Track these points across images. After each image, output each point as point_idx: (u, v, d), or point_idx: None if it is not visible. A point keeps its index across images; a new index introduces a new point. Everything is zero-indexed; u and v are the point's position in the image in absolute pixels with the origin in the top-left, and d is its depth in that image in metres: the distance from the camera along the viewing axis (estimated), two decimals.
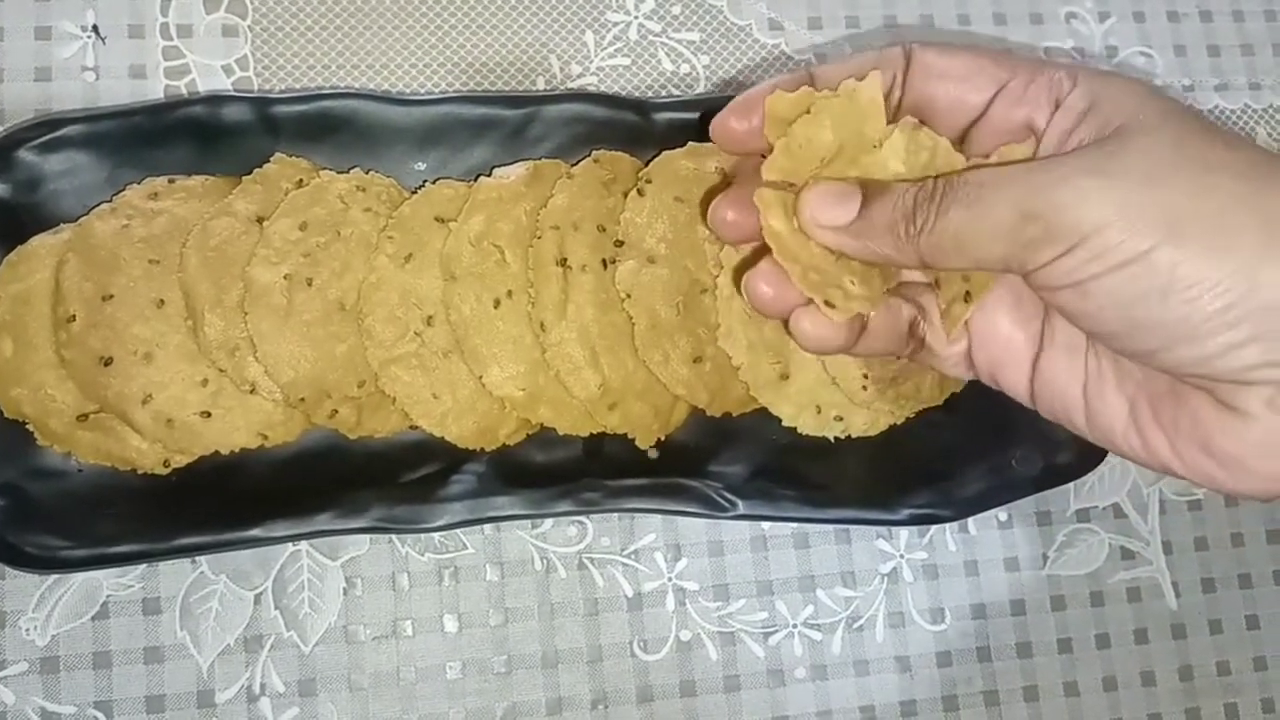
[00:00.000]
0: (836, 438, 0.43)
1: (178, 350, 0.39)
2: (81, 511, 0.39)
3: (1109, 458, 0.45)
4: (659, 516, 0.44)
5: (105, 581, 0.41)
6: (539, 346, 0.40)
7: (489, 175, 0.42)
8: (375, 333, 0.40)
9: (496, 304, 0.40)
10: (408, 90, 0.45)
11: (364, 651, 0.42)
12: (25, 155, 0.40)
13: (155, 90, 0.44)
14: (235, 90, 0.44)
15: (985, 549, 0.46)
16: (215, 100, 0.41)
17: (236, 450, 0.40)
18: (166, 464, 0.39)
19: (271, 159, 0.41)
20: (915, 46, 0.32)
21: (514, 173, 0.42)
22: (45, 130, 0.40)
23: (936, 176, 0.30)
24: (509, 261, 0.41)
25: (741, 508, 0.42)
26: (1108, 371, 0.31)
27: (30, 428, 0.39)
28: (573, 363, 0.40)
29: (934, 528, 0.46)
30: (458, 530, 0.42)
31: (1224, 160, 0.27)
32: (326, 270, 0.40)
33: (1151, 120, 0.28)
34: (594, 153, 0.43)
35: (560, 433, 0.42)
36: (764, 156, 0.33)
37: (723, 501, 0.42)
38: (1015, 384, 0.34)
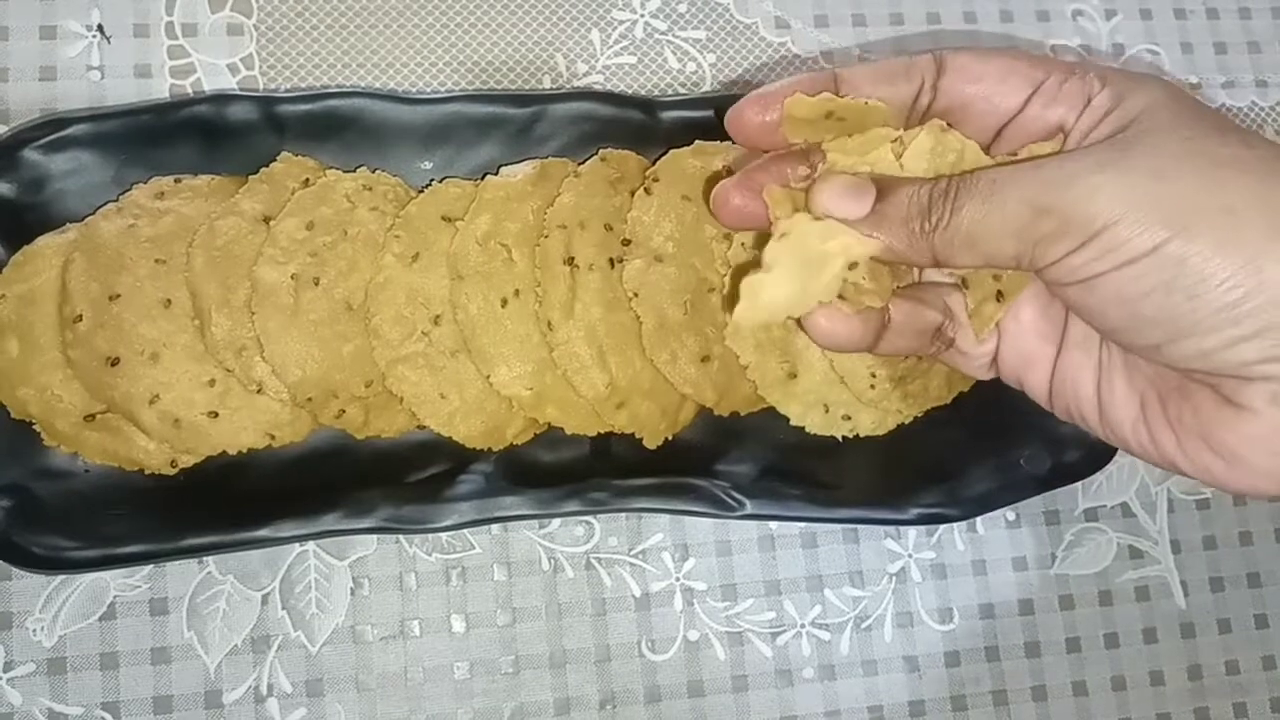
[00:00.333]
0: (844, 437, 0.43)
1: (184, 350, 0.39)
2: (88, 512, 0.39)
3: (1117, 457, 0.44)
4: (666, 516, 0.44)
5: (112, 582, 0.40)
6: (546, 346, 0.40)
7: (496, 174, 0.42)
8: (382, 332, 0.39)
9: (504, 303, 0.40)
10: (414, 89, 0.45)
11: (371, 652, 0.42)
12: (31, 155, 0.40)
13: (160, 89, 0.44)
14: (241, 89, 0.44)
15: (993, 548, 0.46)
16: (221, 99, 0.41)
17: (244, 450, 0.40)
18: (173, 464, 0.39)
19: (278, 158, 0.41)
20: (948, 53, 0.32)
21: (521, 172, 0.42)
22: (51, 130, 0.40)
23: (952, 175, 0.30)
24: (516, 261, 0.40)
25: (749, 507, 0.42)
26: (1118, 368, 0.31)
27: (37, 428, 0.39)
28: (580, 362, 0.40)
29: (942, 527, 0.46)
30: (465, 530, 0.42)
31: (1235, 156, 0.27)
32: (333, 270, 0.40)
33: (1164, 117, 0.28)
34: (601, 151, 0.43)
35: (568, 432, 0.41)
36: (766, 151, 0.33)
37: (730, 501, 0.42)
38: (1038, 384, 0.34)
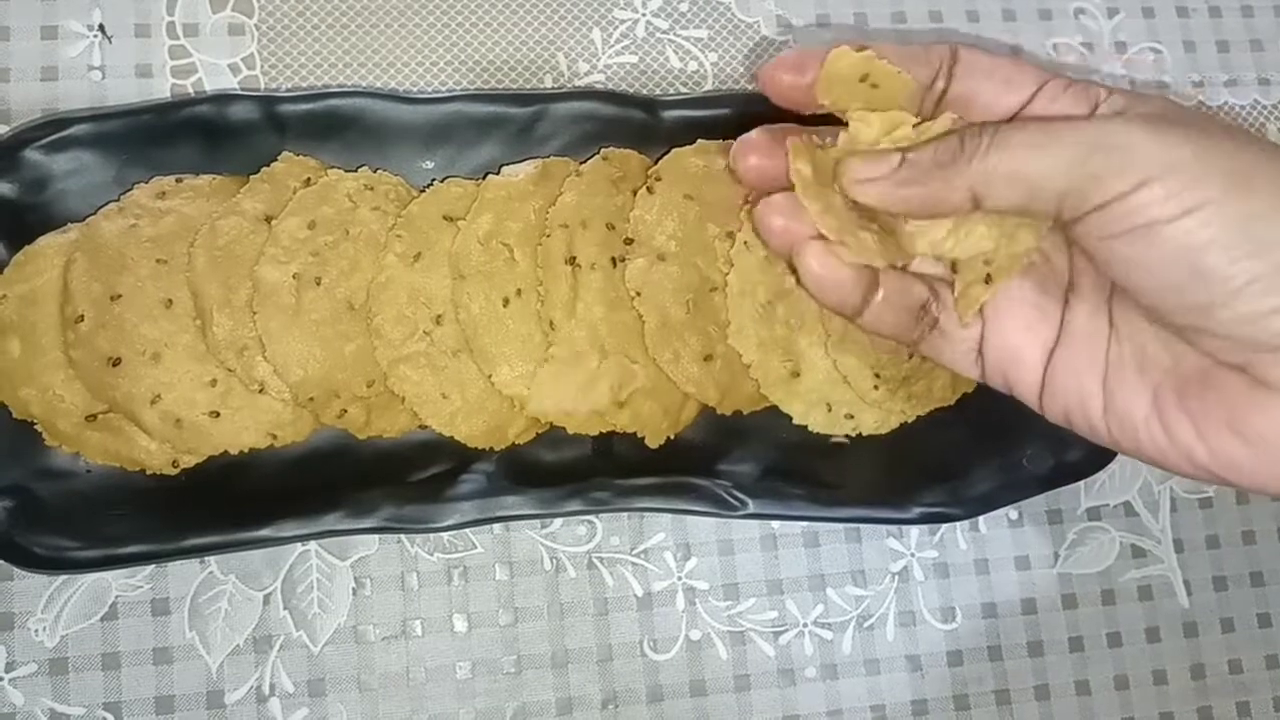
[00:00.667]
0: (847, 436, 0.43)
1: (186, 350, 0.39)
2: (90, 512, 0.39)
3: (1120, 456, 0.44)
4: (668, 516, 0.44)
5: (114, 582, 0.40)
6: (548, 345, 0.40)
7: (497, 174, 0.42)
8: (384, 332, 0.39)
9: (505, 303, 0.40)
10: (415, 88, 0.45)
11: (373, 652, 0.42)
12: (32, 155, 0.40)
13: (162, 89, 0.44)
14: (242, 89, 0.44)
15: (996, 547, 0.46)
16: (222, 99, 0.41)
17: (245, 450, 0.39)
18: (175, 464, 0.39)
19: (279, 158, 0.41)
20: (962, 47, 0.33)
21: (522, 171, 0.42)
22: (52, 130, 0.40)
23: (984, 123, 0.30)
24: (518, 260, 0.40)
25: (751, 507, 0.42)
26: (1129, 360, 0.31)
27: (39, 428, 0.39)
28: None
29: (944, 526, 0.46)
30: (467, 530, 0.42)
31: (1263, 145, 0.28)
32: (335, 269, 0.40)
33: (1177, 115, 0.29)
34: (602, 150, 0.43)
35: (569, 432, 0.41)
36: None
37: (732, 500, 0.42)
38: (1027, 382, 0.33)
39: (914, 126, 0.33)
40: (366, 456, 0.41)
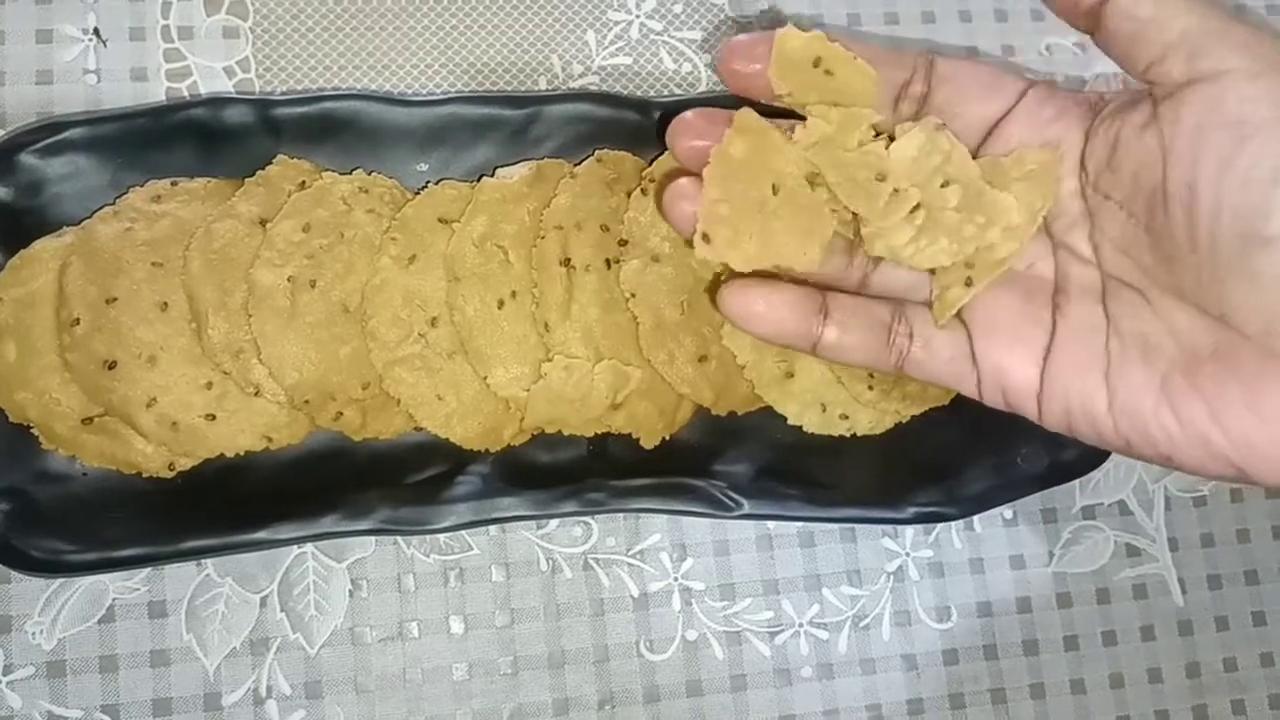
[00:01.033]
0: (842, 436, 0.43)
1: (182, 353, 0.39)
2: (87, 515, 0.39)
3: (1114, 454, 0.44)
4: (664, 516, 0.44)
5: (111, 585, 0.41)
6: (543, 347, 0.40)
7: (492, 176, 0.42)
8: (379, 334, 0.39)
9: (500, 305, 0.40)
10: (409, 91, 0.45)
11: (370, 653, 0.42)
12: (27, 159, 0.40)
13: (157, 93, 0.44)
14: (237, 92, 0.44)
15: (991, 547, 0.46)
16: (217, 102, 0.41)
17: (241, 453, 0.40)
18: (171, 467, 0.39)
19: (274, 161, 0.41)
20: (939, 55, 0.32)
21: (517, 173, 0.42)
22: (47, 133, 0.40)
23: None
24: (512, 262, 0.41)
25: (747, 507, 0.42)
26: (1132, 350, 0.30)
27: (35, 432, 0.39)
28: None
29: (939, 526, 0.46)
30: (463, 531, 0.42)
31: None
32: (330, 272, 0.40)
33: None
34: (597, 152, 0.43)
35: (565, 433, 0.41)
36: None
37: (728, 501, 0.42)
38: (1022, 391, 0.32)
39: (885, 130, 0.33)
40: (362, 458, 0.41)
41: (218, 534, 0.39)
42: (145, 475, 0.39)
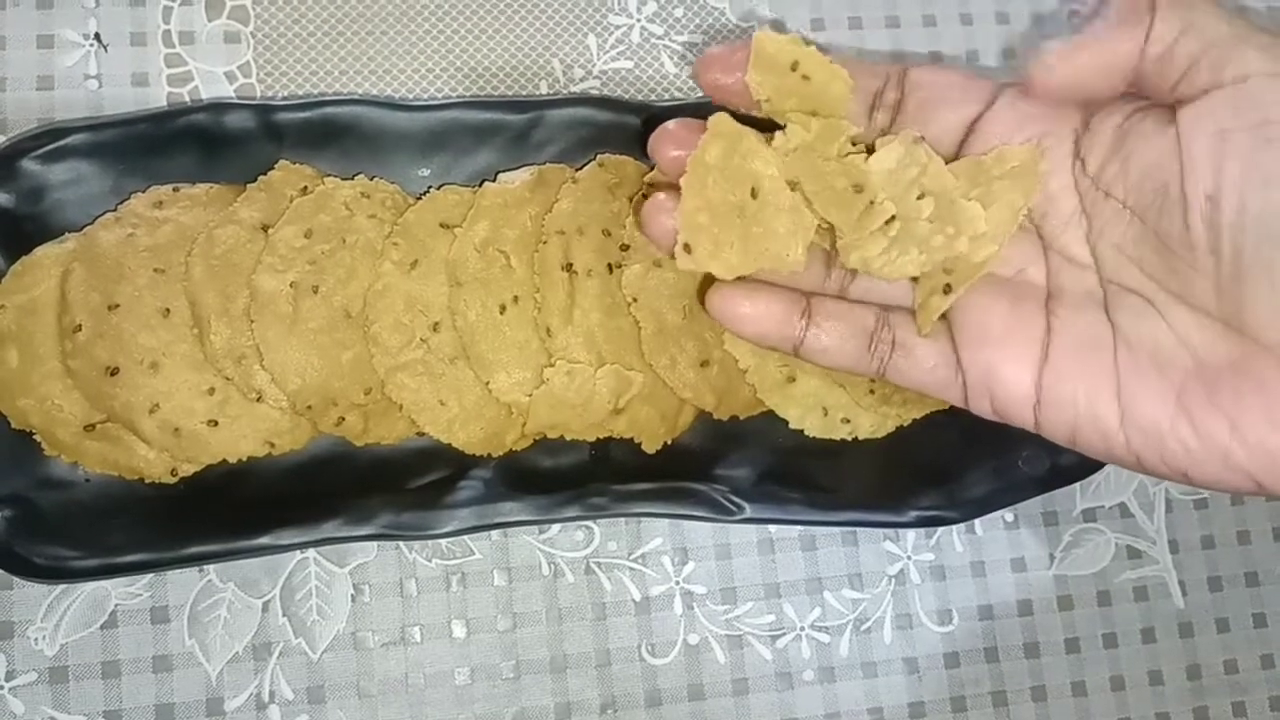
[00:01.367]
0: (843, 440, 0.43)
1: (184, 359, 0.39)
2: (89, 521, 0.39)
3: None
4: (666, 520, 0.44)
5: (113, 590, 0.41)
6: (545, 352, 0.40)
7: (493, 181, 0.42)
8: (381, 340, 0.40)
9: (502, 310, 0.40)
10: (411, 96, 0.45)
11: (372, 658, 0.42)
12: (29, 165, 0.40)
13: (158, 98, 0.44)
14: (238, 97, 0.44)
15: (992, 550, 0.46)
16: (218, 108, 0.41)
17: (243, 459, 0.40)
18: (174, 473, 0.39)
19: (275, 166, 0.41)
20: (911, 65, 0.33)
21: (518, 178, 0.42)
22: (49, 140, 0.40)
23: None
24: (514, 267, 0.41)
25: (748, 511, 0.42)
26: (1146, 364, 0.29)
27: (37, 438, 0.39)
28: None
29: (941, 529, 0.46)
30: (465, 536, 0.42)
31: None
32: (332, 277, 0.40)
33: None
34: (598, 157, 0.43)
35: (567, 438, 0.41)
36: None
37: (729, 505, 0.42)
38: (1015, 401, 0.31)
39: (863, 140, 0.33)
40: (364, 464, 0.41)
41: (220, 539, 0.39)
42: (147, 481, 0.39)
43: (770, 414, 0.43)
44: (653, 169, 0.43)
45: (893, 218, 0.32)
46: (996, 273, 0.32)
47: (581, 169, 0.43)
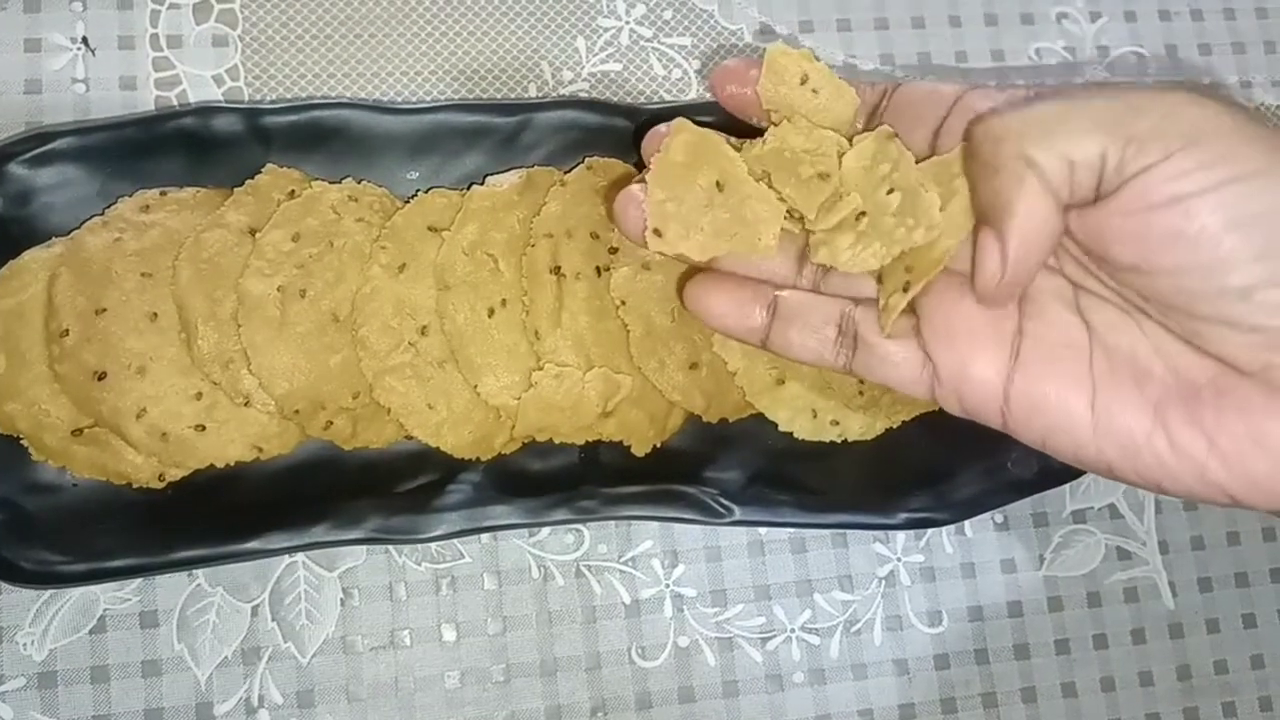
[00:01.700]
0: (833, 442, 0.43)
1: (171, 364, 0.39)
2: (77, 526, 0.39)
3: None
4: (656, 523, 0.44)
5: (102, 595, 0.41)
6: (534, 355, 0.40)
7: (482, 184, 0.42)
8: (369, 343, 0.39)
9: (490, 313, 0.40)
10: (399, 99, 0.45)
11: (362, 662, 0.42)
12: (16, 169, 0.40)
13: (146, 101, 0.44)
14: (226, 101, 0.44)
15: (982, 551, 0.46)
16: (206, 111, 0.41)
17: (232, 463, 0.40)
18: (162, 478, 0.39)
19: (263, 170, 0.41)
20: (901, 83, 0.33)
21: (507, 181, 0.42)
22: (36, 144, 0.40)
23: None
24: (503, 270, 0.41)
25: (738, 514, 0.42)
26: (1122, 374, 0.29)
27: (25, 443, 0.39)
28: None
29: (930, 531, 0.46)
30: (455, 540, 0.42)
31: None
32: (320, 281, 0.40)
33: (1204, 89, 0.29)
34: (587, 160, 0.43)
35: (556, 441, 0.41)
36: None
37: (719, 508, 0.42)
38: (983, 401, 0.31)
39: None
40: (353, 468, 0.41)
41: (209, 544, 0.39)
42: (136, 486, 0.39)
43: (759, 416, 0.43)
44: (641, 171, 0.43)
45: (863, 214, 0.32)
46: (965, 269, 0.31)
47: (570, 172, 0.43)
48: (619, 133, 0.43)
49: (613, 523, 0.44)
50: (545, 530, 0.43)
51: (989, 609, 0.46)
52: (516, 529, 0.42)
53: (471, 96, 0.46)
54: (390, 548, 0.42)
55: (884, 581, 0.45)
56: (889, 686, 0.45)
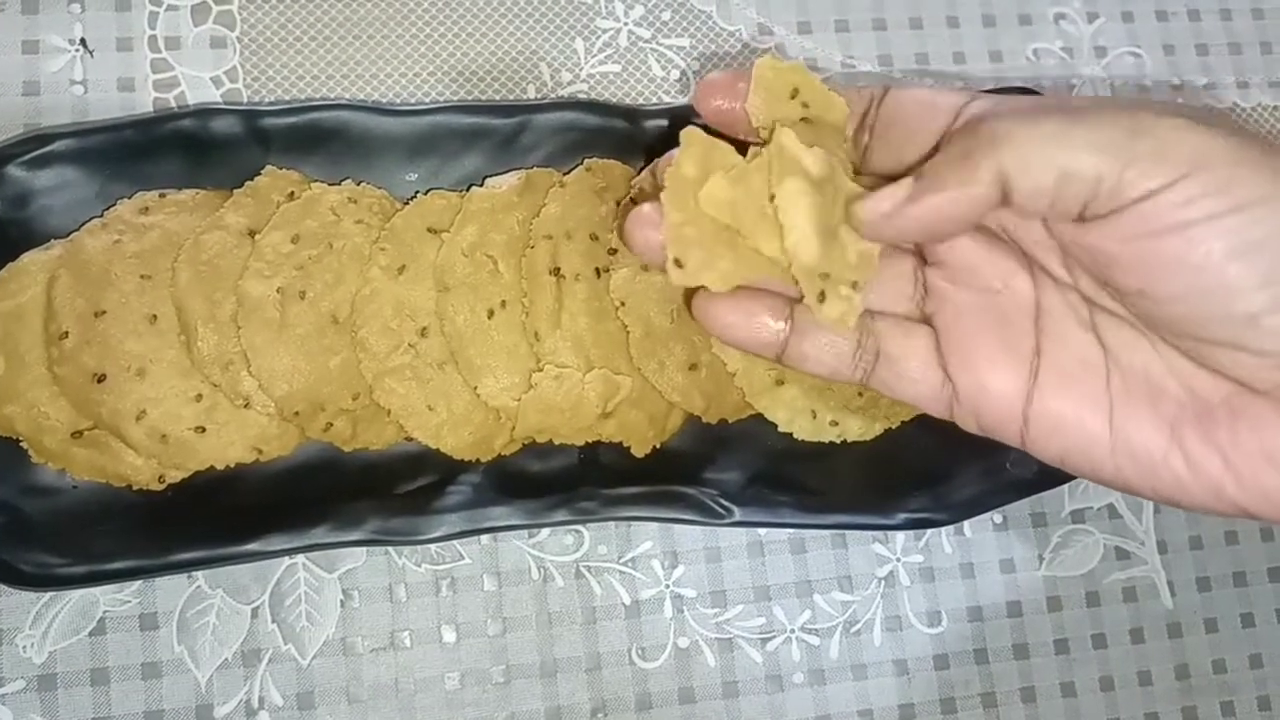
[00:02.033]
0: (832, 443, 0.43)
1: (171, 366, 0.39)
2: (77, 528, 0.39)
3: None
4: (655, 524, 0.44)
5: (102, 597, 0.40)
6: (533, 356, 0.40)
7: (481, 185, 0.42)
8: (369, 345, 0.39)
9: (490, 314, 0.40)
10: (398, 100, 0.45)
11: (362, 663, 0.42)
12: (14, 171, 0.40)
13: (144, 103, 0.44)
14: (225, 102, 0.44)
15: (981, 551, 0.46)
16: (205, 113, 0.41)
17: (231, 465, 0.40)
18: (161, 480, 0.39)
19: (262, 171, 0.41)
20: (891, 87, 0.31)
21: (506, 182, 0.42)
22: (34, 146, 0.40)
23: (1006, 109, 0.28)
24: (502, 271, 0.41)
25: (738, 514, 0.42)
26: (1138, 393, 0.29)
27: (24, 445, 0.39)
28: None
29: (930, 531, 0.46)
30: (455, 541, 0.42)
31: None
32: (319, 283, 0.40)
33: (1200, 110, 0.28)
34: (586, 161, 0.43)
35: (556, 442, 0.41)
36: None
37: (719, 509, 0.42)
38: (1004, 419, 0.30)
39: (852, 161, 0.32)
40: (353, 469, 0.41)
41: (208, 546, 0.39)
42: (135, 488, 0.39)
43: (759, 417, 0.43)
44: (640, 172, 0.43)
45: (826, 274, 0.30)
46: (985, 287, 0.31)
47: (569, 173, 0.43)
48: (618, 134, 0.43)
49: (612, 524, 0.44)
50: (545, 531, 0.43)
51: (988, 609, 0.46)
52: (516, 530, 0.42)
53: (470, 98, 0.46)
54: (390, 549, 0.42)
55: (883, 582, 0.46)
56: (889, 687, 0.45)
